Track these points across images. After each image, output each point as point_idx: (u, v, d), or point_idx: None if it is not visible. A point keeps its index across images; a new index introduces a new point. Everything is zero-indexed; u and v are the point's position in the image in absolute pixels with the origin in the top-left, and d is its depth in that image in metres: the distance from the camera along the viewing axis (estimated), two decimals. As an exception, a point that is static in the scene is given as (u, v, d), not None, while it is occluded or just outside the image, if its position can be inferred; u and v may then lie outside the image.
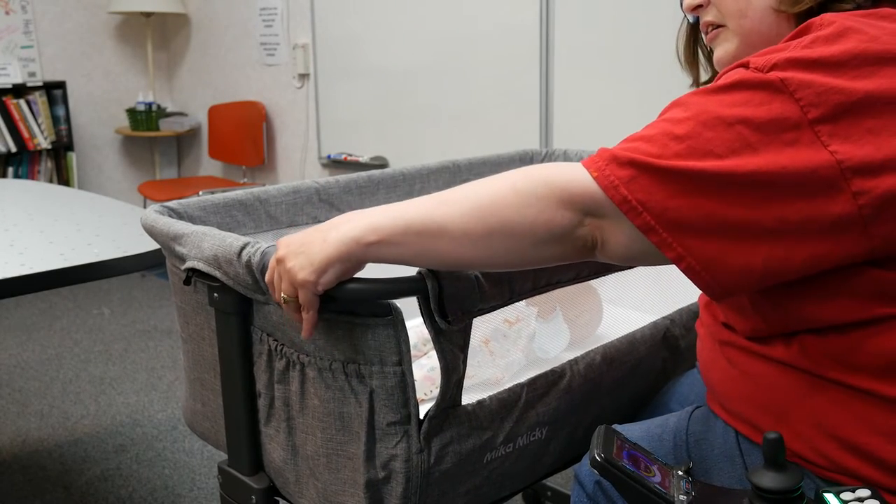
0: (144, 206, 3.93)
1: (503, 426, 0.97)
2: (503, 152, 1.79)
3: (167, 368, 2.91)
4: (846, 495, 0.68)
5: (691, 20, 0.99)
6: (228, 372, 1.02)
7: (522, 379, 1.01)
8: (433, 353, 1.19)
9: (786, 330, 0.80)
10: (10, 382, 2.79)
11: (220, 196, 1.29)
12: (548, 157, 1.85)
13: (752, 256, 0.71)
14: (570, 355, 1.09)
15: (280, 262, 0.82)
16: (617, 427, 0.98)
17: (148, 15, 4.35)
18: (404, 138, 3.43)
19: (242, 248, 0.91)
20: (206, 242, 0.97)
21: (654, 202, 0.71)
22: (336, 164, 3.71)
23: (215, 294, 0.99)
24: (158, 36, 4.62)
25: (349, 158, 3.63)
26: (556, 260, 0.78)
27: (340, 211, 1.46)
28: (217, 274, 0.96)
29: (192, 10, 4.41)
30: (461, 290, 0.85)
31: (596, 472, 0.74)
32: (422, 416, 0.90)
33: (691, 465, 0.79)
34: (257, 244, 0.91)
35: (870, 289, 0.73)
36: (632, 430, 0.98)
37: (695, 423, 0.94)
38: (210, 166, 4.55)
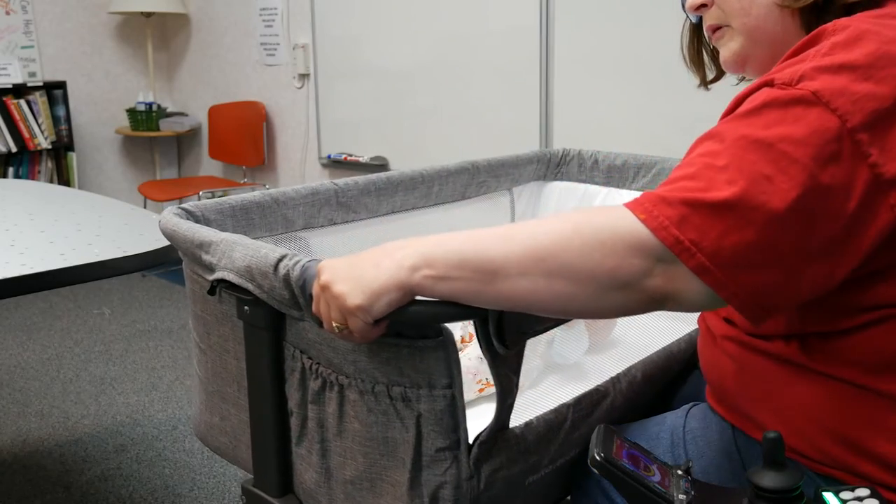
0: (145, 206, 3.93)
1: (549, 449, 0.93)
2: (521, 153, 1.78)
3: (167, 368, 2.91)
4: (845, 494, 0.68)
5: (694, 20, 0.99)
6: (258, 388, 0.97)
7: (567, 399, 0.97)
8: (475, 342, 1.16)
9: (789, 329, 0.80)
10: (11, 382, 2.79)
11: (237, 198, 1.25)
12: (564, 158, 1.84)
13: (801, 280, 0.69)
14: (599, 366, 1.06)
15: (325, 288, 0.77)
16: (616, 426, 0.98)
17: (148, 15, 4.35)
18: (404, 138, 3.43)
19: (279, 261, 0.86)
20: (238, 252, 0.92)
21: (708, 241, 0.67)
22: (336, 164, 3.71)
23: (246, 307, 0.94)
24: (159, 36, 4.62)
25: (349, 158, 3.63)
26: (620, 310, 0.73)
27: (357, 214, 1.44)
28: (250, 286, 0.91)
29: (192, 10, 4.41)
30: (521, 314, 0.80)
31: (596, 471, 0.74)
32: (470, 441, 0.85)
33: (691, 464, 0.79)
34: (295, 256, 0.86)
35: (878, 291, 0.73)
36: (630, 429, 0.98)
37: (692, 421, 0.94)
38: (210, 166, 4.55)
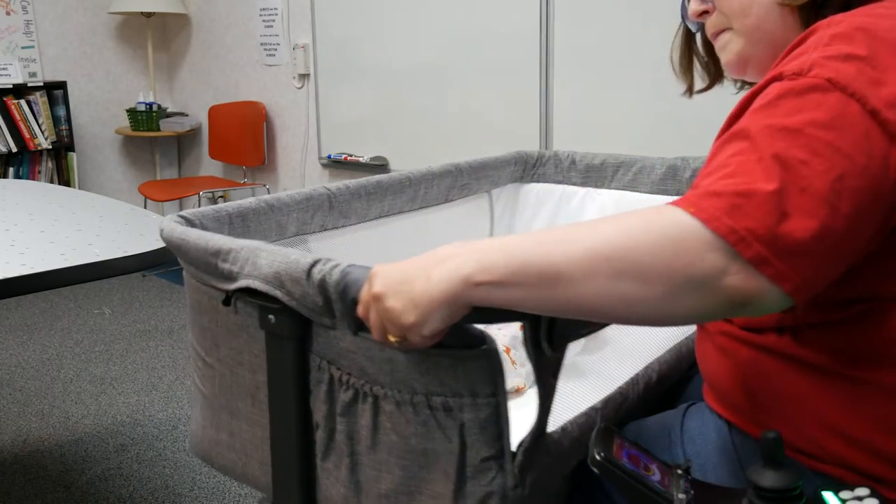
0: (145, 206, 3.93)
1: (581, 452, 0.91)
2: (501, 154, 1.78)
3: (167, 368, 2.91)
4: (845, 494, 0.68)
5: (694, 29, 0.99)
6: (280, 402, 0.94)
7: (594, 402, 0.96)
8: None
9: (782, 322, 0.80)
10: (11, 382, 2.79)
11: (234, 205, 1.24)
12: (541, 159, 1.84)
13: (841, 260, 0.68)
14: (594, 366, 1.06)
15: (378, 299, 0.73)
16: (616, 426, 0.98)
17: (148, 15, 4.35)
18: (404, 138, 3.43)
19: (312, 266, 0.83)
20: (264, 259, 0.88)
21: (764, 228, 0.64)
22: (336, 164, 3.71)
23: (271, 316, 0.90)
24: (159, 36, 4.62)
25: (349, 158, 3.63)
26: (695, 315, 0.67)
27: (349, 219, 1.44)
28: (278, 294, 0.87)
29: (192, 10, 4.41)
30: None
31: (596, 470, 0.74)
32: (513, 448, 0.82)
33: (691, 463, 0.79)
34: (330, 261, 0.83)
35: (869, 282, 0.74)
36: (629, 428, 0.98)
37: (689, 419, 0.94)
38: (210, 166, 4.55)
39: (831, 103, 0.68)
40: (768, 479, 0.67)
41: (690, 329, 1.23)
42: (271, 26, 3.95)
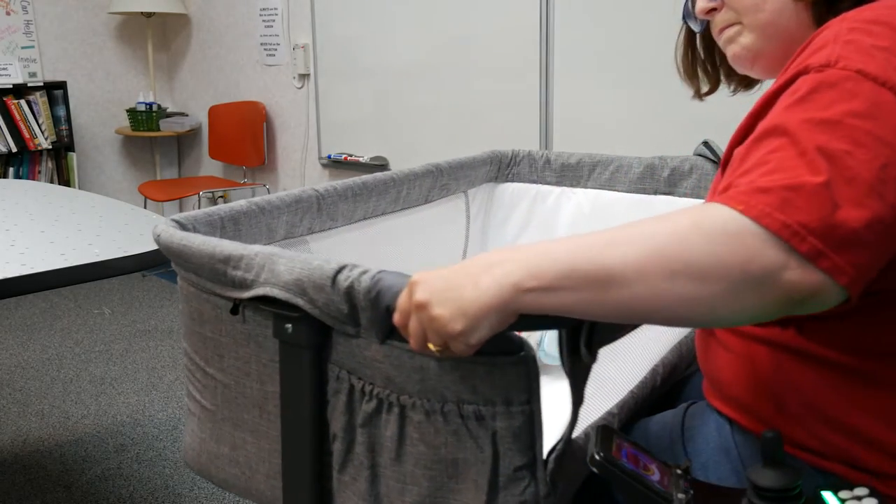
0: (145, 206, 3.93)
1: None
2: (476, 154, 1.76)
3: (167, 368, 2.91)
4: (844, 493, 0.68)
5: (698, 28, 0.98)
6: (294, 414, 0.90)
7: (609, 405, 0.95)
8: None
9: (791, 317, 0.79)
10: (11, 382, 2.79)
11: (226, 207, 1.22)
12: (515, 158, 1.83)
13: (891, 249, 0.67)
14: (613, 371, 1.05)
15: (422, 307, 0.71)
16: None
17: (148, 15, 4.35)
18: (404, 138, 3.43)
19: (338, 272, 0.80)
20: (283, 265, 0.85)
21: (817, 221, 0.63)
22: (336, 164, 3.71)
23: (288, 325, 0.87)
24: (159, 36, 4.62)
25: (349, 158, 3.63)
26: (753, 313, 0.65)
27: (335, 221, 1.43)
28: (299, 301, 0.84)
29: (192, 10, 4.41)
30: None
31: (595, 470, 0.74)
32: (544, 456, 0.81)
33: (690, 463, 0.79)
34: (356, 267, 0.80)
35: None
36: (629, 428, 0.98)
37: (690, 419, 0.94)
38: (210, 166, 4.56)
39: (866, 93, 0.67)
40: (768, 478, 0.67)
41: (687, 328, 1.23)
42: (271, 26, 3.95)
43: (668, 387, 1.10)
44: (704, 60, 1.02)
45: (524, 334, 0.97)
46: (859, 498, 0.68)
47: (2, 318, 3.47)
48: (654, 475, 0.73)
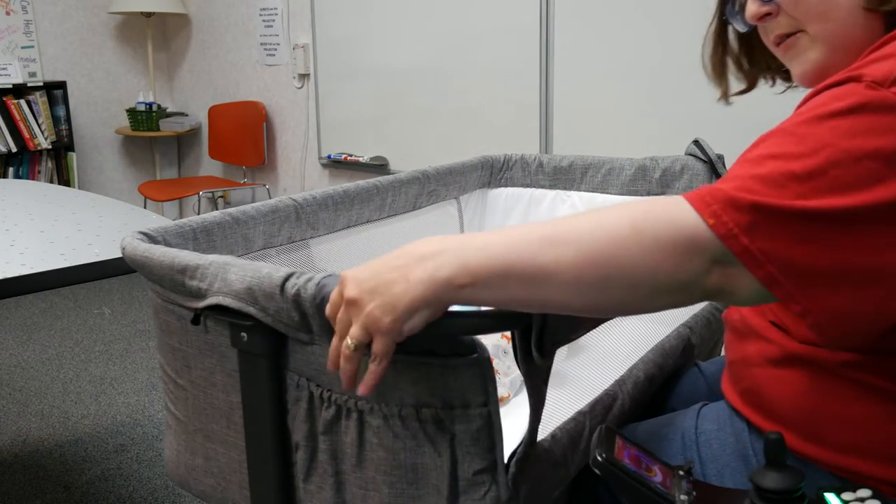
0: (145, 206, 3.93)
1: (574, 459, 0.89)
2: (466, 160, 1.77)
3: (167, 368, 2.91)
4: (847, 495, 0.68)
5: (743, 29, 0.90)
6: (256, 423, 0.90)
7: (581, 406, 0.94)
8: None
9: (853, 347, 0.76)
10: (11, 382, 2.79)
11: (198, 219, 1.20)
12: (507, 163, 1.83)
13: (887, 303, 0.64)
14: (575, 371, 1.05)
15: (353, 303, 0.69)
16: (622, 427, 0.98)
17: (148, 15, 4.35)
18: (404, 138, 3.43)
19: (286, 280, 0.80)
20: (234, 274, 0.85)
21: (779, 251, 0.63)
22: (336, 164, 3.71)
23: (243, 334, 0.86)
24: (159, 36, 4.62)
25: (349, 158, 3.63)
26: (671, 307, 0.68)
27: (316, 230, 1.42)
28: (251, 310, 0.83)
29: (192, 10, 4.41)
30: (562, 322, 0.75)
31: (597, 472, 0.74)
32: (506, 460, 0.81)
33: (693, 464, 0.79)
34: (304, 274, 0.79)
35: None
36: (636, 430, 0.97)
37: (704, 422, 0.92)
38: (210, 166, 4.55)
39: None
40: (770, 480, 0.67)
41: (671, 326, 1.22)
42: (271, 26, 3.95)
43: (657, 385, 1.10)
44: (743, 59, 0.95)
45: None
46: (862, 500, 0.67)
47: (2, 318, 3.47)
48: (657, 476, 0.73)
